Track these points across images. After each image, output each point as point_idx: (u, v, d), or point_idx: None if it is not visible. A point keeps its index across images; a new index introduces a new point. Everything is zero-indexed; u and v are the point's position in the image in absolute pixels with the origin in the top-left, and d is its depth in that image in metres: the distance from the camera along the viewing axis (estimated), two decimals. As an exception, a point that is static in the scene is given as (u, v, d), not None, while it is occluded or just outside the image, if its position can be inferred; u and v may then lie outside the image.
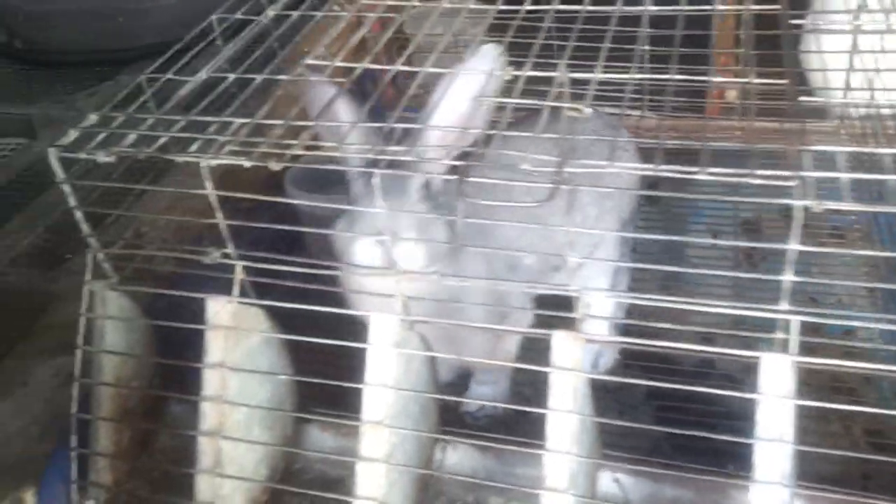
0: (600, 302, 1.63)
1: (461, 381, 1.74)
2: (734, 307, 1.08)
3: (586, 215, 1.55)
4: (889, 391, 1.66)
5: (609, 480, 1.37)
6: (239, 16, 1.52)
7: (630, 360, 1.82)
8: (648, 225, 2.29)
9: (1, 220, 1.92)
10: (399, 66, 1.42)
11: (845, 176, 0.98)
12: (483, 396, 1.66)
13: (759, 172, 0.98)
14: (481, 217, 1.14)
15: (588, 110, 1.11)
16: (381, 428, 1.19)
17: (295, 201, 1.82)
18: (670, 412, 1.67)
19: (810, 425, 1.58)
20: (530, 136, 1.06)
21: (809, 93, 2.21)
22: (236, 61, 1.46)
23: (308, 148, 1.15)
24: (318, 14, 1.57)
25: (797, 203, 0.96)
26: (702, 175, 0.99)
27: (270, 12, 1.53)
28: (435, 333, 1.27)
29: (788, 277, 1.02)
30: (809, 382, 1.63)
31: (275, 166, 1.13)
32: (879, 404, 1.64)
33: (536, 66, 1.25)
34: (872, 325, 1.09)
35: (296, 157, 1.18)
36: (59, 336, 1.60)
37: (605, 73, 1.23)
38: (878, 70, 1.67)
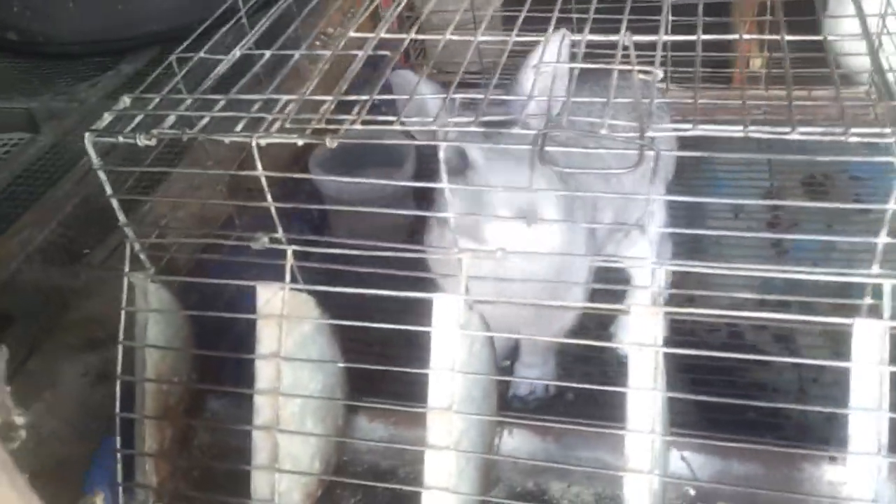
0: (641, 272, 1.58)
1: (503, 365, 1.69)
2: (823, 273, 1.04)
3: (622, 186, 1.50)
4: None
5: (676, 459, 1.33)
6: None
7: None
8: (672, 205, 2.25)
9: (11, 217, 1.82)
10: (413, 35, 1.34)
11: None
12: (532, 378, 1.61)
13: (855, 130, 0.93)
14: (570, 187, 1.08)
15: (660, 73, 1.05)
16: (449, 414, 1.13)
17: (347, 179, 1.73)
18: (701, 385, 1.64)
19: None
20: (605, 101, 1.00)
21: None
22: (261, 39, 1.40)
23: (365, 122, 1.08)
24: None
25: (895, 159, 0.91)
26: (794, 135, 0.95)
27: (296, -14, 1.46)
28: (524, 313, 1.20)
29: (883, 239, 0.98)
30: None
31: (331, 143, 1.07)
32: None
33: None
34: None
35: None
36: (85, 333, 1.53)
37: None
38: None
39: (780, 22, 1.28)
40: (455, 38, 1.28)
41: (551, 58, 1.12)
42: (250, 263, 1.32)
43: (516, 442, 1.40)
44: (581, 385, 1.40)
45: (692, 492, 1.32)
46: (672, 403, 1.28)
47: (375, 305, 1.26)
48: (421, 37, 1.36)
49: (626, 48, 1.14)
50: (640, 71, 1.08)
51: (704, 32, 1.23)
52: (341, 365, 1.29)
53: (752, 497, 1.29)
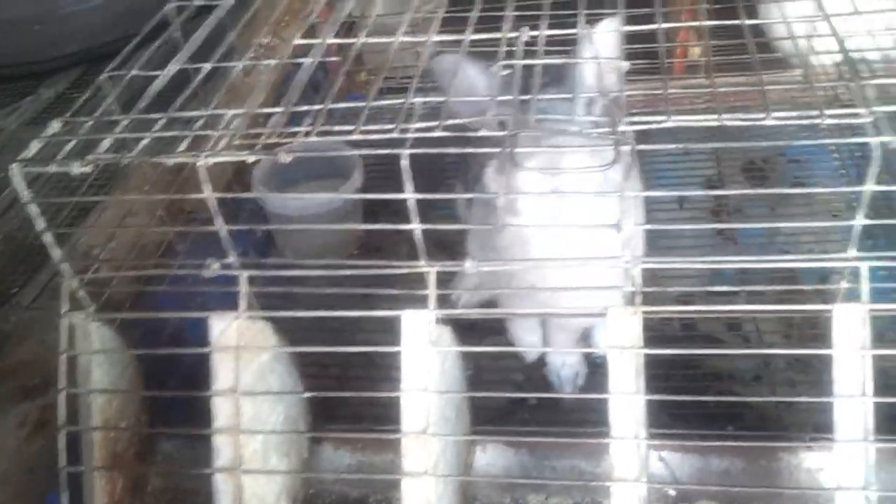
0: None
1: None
2: (799, 260, 1.02)
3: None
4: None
5: (655, 460, 1.30)
6: (197, 2, 1.37)
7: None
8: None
9: (-77, 261, 1.69)
10: (363, 39, 1.29)
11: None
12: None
13: (831, 112, 0.92)
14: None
15: (626, 64, 1.02)
16: (425, 437, 1.08)
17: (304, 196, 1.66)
18: (661, 380, 1.62)
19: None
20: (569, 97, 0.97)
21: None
22: (194, 53, 1.32)
23: (320, 134, 1.02)
24: (285, -5, 1.43)
25: (873, 140, 0.90)
26: (769, 121, 0.93)
27: (232, -5, 1.38)
28: None
29: (860, 221, 0.97)
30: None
31: (285, 158, 1.01)
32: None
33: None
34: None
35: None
36: (20, 380, 1.41)
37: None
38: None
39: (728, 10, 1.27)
40: (407, 39, 1.23)
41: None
42: (196, 293, 1.24)
43: (489, 457, 1.35)
44: (570, 395, 1.35)
45: (672, 492, 1.29)
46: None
47: (332, 326, 1.20)
48: (371, 40, 1.30)
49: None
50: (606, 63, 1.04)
51: (645, 23, 1.22)
52: (306, 395, 1.21)
53: (733, 492, 1.27)
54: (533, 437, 1.34)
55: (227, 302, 1.15)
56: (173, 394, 1.22)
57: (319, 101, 1.08)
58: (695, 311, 1.24)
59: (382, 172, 1.89)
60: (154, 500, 1.38)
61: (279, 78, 1.98)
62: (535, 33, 1.14)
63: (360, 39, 1.22)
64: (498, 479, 1.30)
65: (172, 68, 1.22)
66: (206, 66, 1.23)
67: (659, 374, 1.57)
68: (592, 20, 1.15)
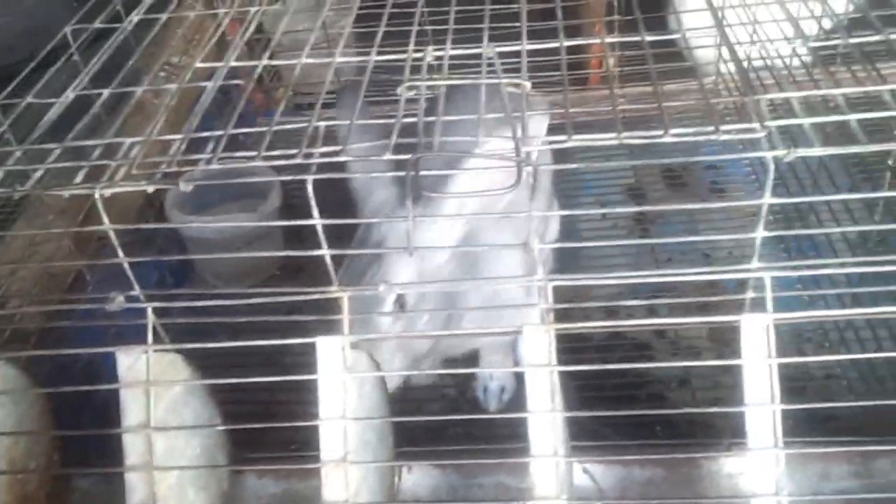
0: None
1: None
2: (706, 272, 1.04)
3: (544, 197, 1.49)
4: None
5: (580, 472, 1.31)
6: (98, 25, 1.32)
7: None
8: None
9: None
10: (266, 61, 1.26)
11: (808, 121, 0.95)
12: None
13: (725, 127, 0.93)
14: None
15: (528, 84, 1.02)
16: (344, 466, 1.06)
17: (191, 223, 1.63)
18: (590, 391, 1.64)
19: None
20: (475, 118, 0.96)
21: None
22: (99, 76, 1.28)
23: (221, 160, 0.99)
24: (191, 14, 1.39)
25: (768, 154, 0.92)
26: (667, 138, 0.94)
27: (135, 17, 1.34)
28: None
29: (760, 233, 0.99)
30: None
31: (185, 187, 0.98)
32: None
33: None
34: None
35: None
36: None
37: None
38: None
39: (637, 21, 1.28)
40: (311, 61, 1.21)
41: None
42: (107, 325, 1.20)
43: (416, 478, 1.34)
44: (486, 415, 1.35)
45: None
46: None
47: (256, 352, 1.18)
48: (274, 62, 1.28)
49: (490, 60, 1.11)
50: (508, 83, 1.04)
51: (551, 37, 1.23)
52: (220, 428, 1.18)
53: (656, 501, 1.29)
54: (460, 455, 1.33)
55: (142, 334, 1.11)
56: (81, 433, 1.18)
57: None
58: (602, 327, 1.24)
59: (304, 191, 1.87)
60: (71, 541, 1.34)
61: (189, 100, 1.95)
62: (440, 53, 1.14)
63: (263, 62, 1.20)
64: (422, 501, 1.29)
65: (69, 95, 1.18)
66: (105, 93, 1.19)
67: (592, 383, 1.61)
68: (500, 36, 1.16)
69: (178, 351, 1.14)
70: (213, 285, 1.79)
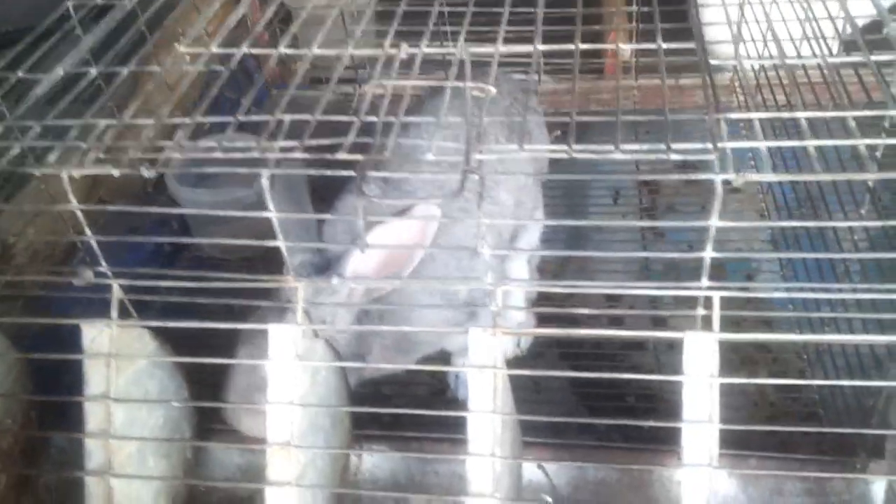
0: (518, 290, 1.58)
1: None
2: (654, 287, 1.04)
3: (503, 204, 1.48)
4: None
5: (533, 467, 1.33)
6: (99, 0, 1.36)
7: (549, 344, 1.77)
8: (552, 187, 2.26)
9: None
10: (282, 50, 1.28)
11: (764, 144, 0.94)
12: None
13: (676, 146, 0.93)
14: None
15: (493, 90, 1.03)
16: (288, 449, 1.10)
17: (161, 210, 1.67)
18: (591, 394, 1.65)
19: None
20: (434, 121, 0.97)
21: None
22: (102, 52, 1.31)
23: (188, 149, 1.02)
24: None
25: (717, 177, 0.92)
26: (617, 154, 0.94)
27: (133, -8, 1.37)
28: None
29: (709, 253, 0.98)
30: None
31: (147, 173, 1.01)
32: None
33: (433, 40, 1.16)
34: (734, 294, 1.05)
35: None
36: None
37: (506, 44, 1.15)
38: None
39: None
40: (320, 52, 1.21)
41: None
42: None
43: (376, 460, 1.37)
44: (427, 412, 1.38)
45: (549, 499, 1.32)
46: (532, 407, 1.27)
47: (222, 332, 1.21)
48: (286, 51, 1.29)
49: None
50: (474, 87, 1.05)
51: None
52: (176, 405, 1.23)
53: (607, 501, 1.30)
54: (418, 441, 1.37)
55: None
56: (48, 398, 1.23)
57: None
58: (551, 334, 1.25)
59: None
60: (47, 493, 1.40)
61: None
62: (413, 50, 1.15)
63: (242, 49, 1.21)
64: (380, 480, 1.33)
65: (58, 72, 1.22)
66: (92, 72, 1.22)
67: (589, 387, 1.62)
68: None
69: (147, 326, 1.19)
70: (210, 255, 1.83)
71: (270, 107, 1.07)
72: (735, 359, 1.75)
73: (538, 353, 1.82)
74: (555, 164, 2.18)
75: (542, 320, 1.63)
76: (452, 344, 1.45)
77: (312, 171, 1.02)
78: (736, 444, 1.29)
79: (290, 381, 1.09)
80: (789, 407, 1.61)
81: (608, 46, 1.90)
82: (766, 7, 1.66)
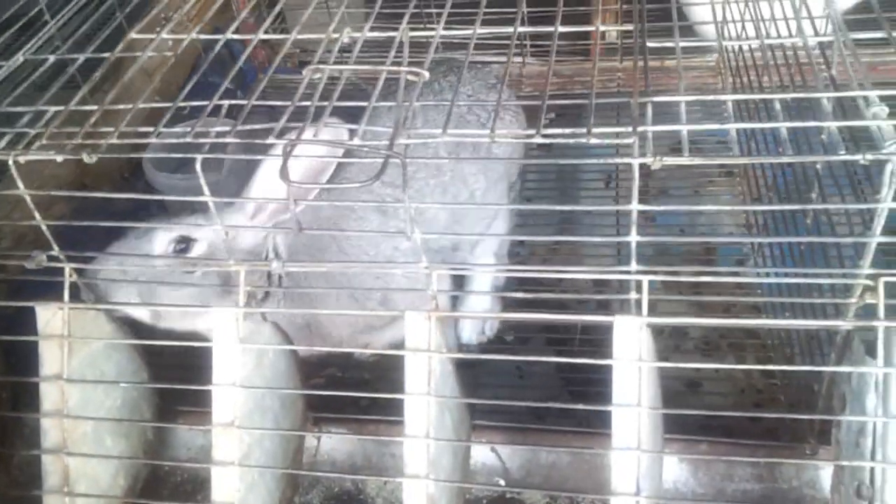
0: (482, 275, 1.59)
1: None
2: (586, 272, 1.05)
3: (472, 189, 1.49)
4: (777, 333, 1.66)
5: (486, 450, 1.35)
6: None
7: (537, 330, 1.78)
8: (542, 173, 2.25)
9: None
10: (261, 35, 1.29)
11: (685, 128, 0.94)
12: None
13: (596, 131, 0.93)
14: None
15: (426, 74, 1.03)
16: (231, 429, 1.12)
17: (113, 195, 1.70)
18: (575, 379, 1.66)
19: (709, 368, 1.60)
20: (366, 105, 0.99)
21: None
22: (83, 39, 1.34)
23: (122, 135, 1.04)
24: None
25: (634, 161, 0.92)
26: (537, 139, 0.94)
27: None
28: None
29: (634, 237, 0.98)
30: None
31: (88, 159, 1.04)
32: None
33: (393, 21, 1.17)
34: (723, 280, 1.05)
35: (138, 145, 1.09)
36: None
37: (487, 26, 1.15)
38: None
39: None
40: (304, 37, 1.23)
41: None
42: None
43: (334, 442, 1.40)
44: (367, 395, 1.39)
45: (502, 482, 1.34)
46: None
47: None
48: (267, 36, 1.31)
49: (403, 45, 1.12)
50: (408, 71, 1.05)
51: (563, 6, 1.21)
52: (123, 384, 1.26)
53: (559, 484, 1.31)
54: (375, 424, 1.39)
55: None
56: (5, 378, 1.27)
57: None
58: (494, 317, 1.26)
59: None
60: (19, 471, 1.45)
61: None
62: (357, 34, 1.16)
63: (227, 35, 1.22)
64: (338, 462, 1.36)
65: (18, 58, 1.25)
66: (51, 58, 1.25)
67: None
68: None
69: (102, 309, 1.22)
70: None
71: (254, 91, 1.10)
72: (723, 344, 1.76)
73: (525, 339, 1.83)
74: (546, 150, 2.19)
75: (528, 305, 1.65)
76: None
77: (244, 157, 1.04)
78: (716, 432, 1.33)
79: (233, 363, 1.12)
80: (776, 394, 1.61)
81: (588, 28, 1.88)
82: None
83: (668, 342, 1.74)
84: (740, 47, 1.88)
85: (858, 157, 0.91)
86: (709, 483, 1.28)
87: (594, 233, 1.94)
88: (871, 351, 1.01)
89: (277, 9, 1.38)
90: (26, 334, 1.20)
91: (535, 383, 1.72)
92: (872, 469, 0.98)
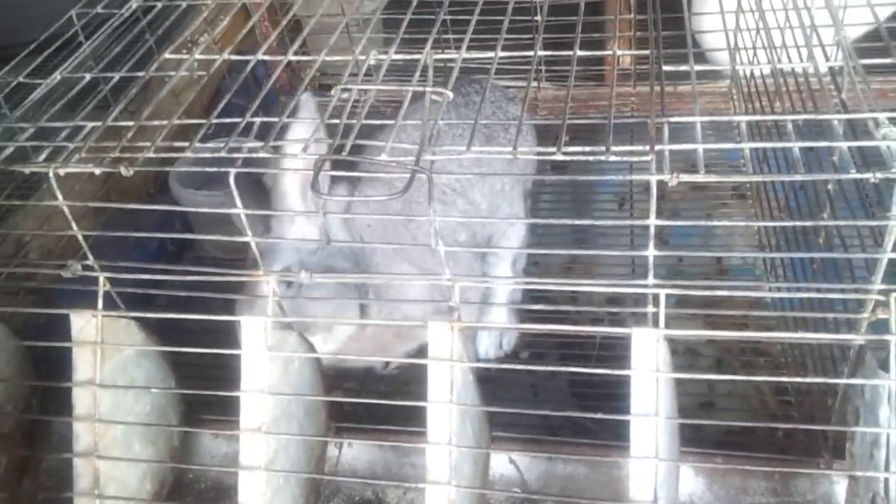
0: (501, 288, 1.62)
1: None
2: (604, 285, 1.08)
3: (476, 205, 1.53)
4: (790, 351, 1.68)
5: (505, 462, 1.37)
6: (100, 10, 1.44)
7: (552, 346, 1.81)
8: (556, 193, 2.29)
9: None
10: (291, 56, 1.34)
11: (701, 146, 0.98)
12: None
13: (615, 149, 0.97)
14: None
15: (450, 94, 1.08)
16: (259, 435, 1.16)
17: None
18: (589, 394, 1.68)
19: (719, 385, 1.63)
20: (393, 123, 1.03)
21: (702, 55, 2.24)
22: (114, 59, 1.40)
23: (158, 150, 1.09)
24: (183, 3, 1.49)
25: (651, 178, 0.95)
26: (558, 156, 0.98)
27: (134, 3, 1.45)
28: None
29: (652, 252, 1.02)
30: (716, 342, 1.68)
31: (126, 172, 1.08)
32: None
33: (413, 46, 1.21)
34: (739, 294, 1.08)
35: (167, 160, 1.13)
36: None
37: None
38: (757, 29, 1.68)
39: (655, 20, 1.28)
40: (331, 58, 1.28)
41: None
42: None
43: (355, 452, 1.43)
44: (389, 401, 1.42)
45: (520, 492, 1.36)
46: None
47: (214, 328, 1.28)
48: (296, 58, 1.36)
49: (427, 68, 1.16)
50: (432, 91, 1.10)
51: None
52: (155, 390, 1.29)
53: (576, 495, 1.33)
54: (395, 434, 1.41)
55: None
56: (40, 383, 1.31)
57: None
58: (508, 328, 1.29)
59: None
60: (47, 477, 1.49)
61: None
62: (382, 56, 1.20)
63: (258, 56, 1.27)
64: (359, 471, 1.39)
65: (56, 77, 1.30)
66: (87, 77, 1.31)
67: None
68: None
69: (133, 317, 1.26)
70: (213, 255, 1.91)
71: (277, 112, 1.14)
72: (736, 364, 1.78)
73: (540, 354, 1.86)
74: (561, 170, 2.23)
75: (544, 321, 1.68)
76: None
77: (274, 170, 1.08)
78: (731, 449, 1.35)
79: (260, 370, 1.15)
80: (789, 412, 1.63)
81: (605, 53, 1.93)
82: (762, 14, 1.68)
83: (682, 361, 1.77)
84: (752, 73, 1.93)
85: (869, 175, 0.94)
86: (724, 497, 1.30)
87: (609, 250, 1.98)
88: (883, 365, 1.04)
89: (305, 32, 1.45)
90: (55, 342, 1.24)
91: (549, 398, 1.75)
92: (887, 480, 1.01)
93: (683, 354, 1.77)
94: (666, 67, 1.18)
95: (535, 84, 2.31)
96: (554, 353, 1.83)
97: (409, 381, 1.72)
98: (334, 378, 1.52)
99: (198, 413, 1.43)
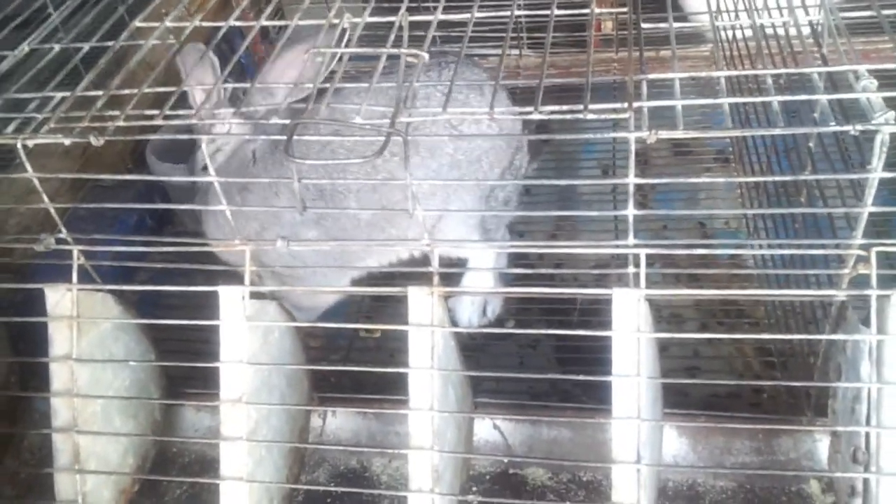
0: (482, 253, 1.60)
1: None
2: (585, 246, 1.07)
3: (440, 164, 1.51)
4: (773, 313, 1.68)
5: (489, 427, 1.37)
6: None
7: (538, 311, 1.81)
8: (542, 161, 2.27)
9: None
10: (263, 22, 1.31)
11: (679, 102, 0.96)
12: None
13: (593, 107, 0.95)
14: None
15: (425, 55, 1.05)
16: (239, 405, 1.15)
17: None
18: (572, 359, 1.68)
19: (703, 349, 1.63)
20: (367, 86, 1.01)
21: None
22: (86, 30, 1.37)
23: (129, 118, 1.07)
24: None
25: (630, 135, 0.94)
26: (535, 115, 0.96)
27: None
28: None
29: (631, 211, 1.01)
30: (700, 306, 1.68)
31: (95, 142, 1.06)
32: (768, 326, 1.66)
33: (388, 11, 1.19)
34: (721, 252, 1.07)
35: (146, 129, 1.11)
36: None
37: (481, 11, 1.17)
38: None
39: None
40: (304, 23, 1.25)
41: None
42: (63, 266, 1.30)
43: (339, 421, 1.42)
44: (373, 369, 1.41)
45: (505, 459, 1.36)
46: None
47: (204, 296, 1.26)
48: (268, 23, 1.33)
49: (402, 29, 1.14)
50: (407, 53, 1.07)
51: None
52: (134, 363, 1.28)
53: (560, 458, 1.34)
54: (379, 402, 1.41)
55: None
56: (15, 359, 1.30)
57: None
58: (489, 292, 1.28)
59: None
60: (30, 454, 1.48)
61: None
62: (356, 20, 1.18)
63: (229, 22, 1.24)
64: (343, 441, 1.38)
65: (23, 48, 1.27)
66: (56, 47, 1.28)
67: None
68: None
69: (109, 290, 1.24)
70: (193, 229, 1.88)
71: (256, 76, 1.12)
72: (720, 329, 1.78)
73: (526, 322, 1.85)
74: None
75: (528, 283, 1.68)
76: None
77: (248, 136, 1.06)
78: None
79: (239, 340, 1.14)
80: (773, 373, 1.63)
81: (583, 12, 1.92)
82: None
83: (667, 327, 1.77)
84: (734, 36, 1.91)
85: (849, 128, 0.93)
86: (708, 457, 1.30)
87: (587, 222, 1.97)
88: (865, 321, 1.04)
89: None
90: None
91: (535, 366, 1.74)
92: (868, 434, 1.01)
93: (668, 321, 1.77)
94: (645, 25, 1.16)
95: (516, 52, 2.29)
96: (540, 322, 1.82)
97: (394, 352, 1.71)
98: (319, 349, 1.51)
99: (180, 387, 1.42)
